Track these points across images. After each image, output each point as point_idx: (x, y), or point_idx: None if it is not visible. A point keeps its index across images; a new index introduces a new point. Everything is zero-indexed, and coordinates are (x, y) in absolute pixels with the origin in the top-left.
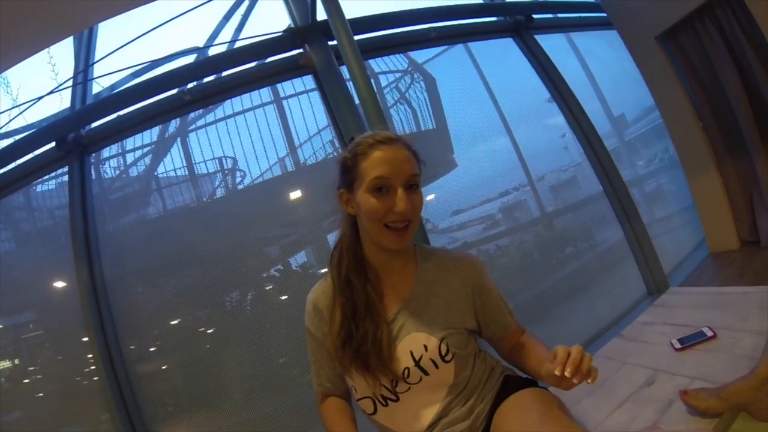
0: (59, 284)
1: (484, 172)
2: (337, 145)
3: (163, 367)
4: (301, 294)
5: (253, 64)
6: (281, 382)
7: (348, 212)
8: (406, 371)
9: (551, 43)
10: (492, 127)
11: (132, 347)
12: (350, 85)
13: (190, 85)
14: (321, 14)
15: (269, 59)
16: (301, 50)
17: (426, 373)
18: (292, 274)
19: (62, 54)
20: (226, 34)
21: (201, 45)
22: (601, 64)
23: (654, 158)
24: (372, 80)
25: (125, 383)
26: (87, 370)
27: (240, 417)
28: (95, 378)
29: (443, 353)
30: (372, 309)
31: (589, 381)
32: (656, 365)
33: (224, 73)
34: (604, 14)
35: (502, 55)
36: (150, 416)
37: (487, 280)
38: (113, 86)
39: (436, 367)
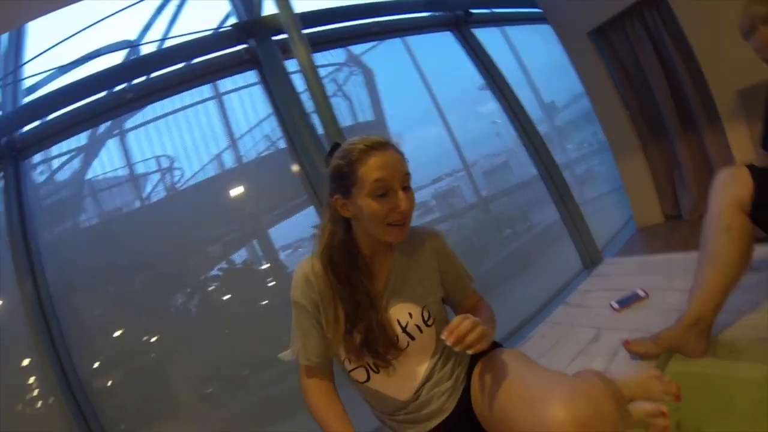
0: None
1: (418, 159)
2: (274, 138)
3: (115, 382)
4: (246, 291)
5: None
6: (239, 380)
7: (344, 216)
8: (395, 338)
9: (487, 36)
10: (427, 116)
11: (88, 364)
12: (294, 78)
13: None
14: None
15: (213, 54)
16: (246, 45)
17: (412, 338)
18: (236, 271)
19: None
20: (159, 27)
21: (132, 39)
22: (534, 56)
23: (584, 142)
24: None
25: (85, 403)
26: (38, 394)
27: (210, 418)
28: (51, 401)
29: (425, 318)
30: (372, 299)
31: (469, 351)
32: (600, 324)
33: (167, 69)
34: (539, 10)
35: (438, 47)
36: None
37: (448, 247)
38: (37, 84)
39: (420, 331)
